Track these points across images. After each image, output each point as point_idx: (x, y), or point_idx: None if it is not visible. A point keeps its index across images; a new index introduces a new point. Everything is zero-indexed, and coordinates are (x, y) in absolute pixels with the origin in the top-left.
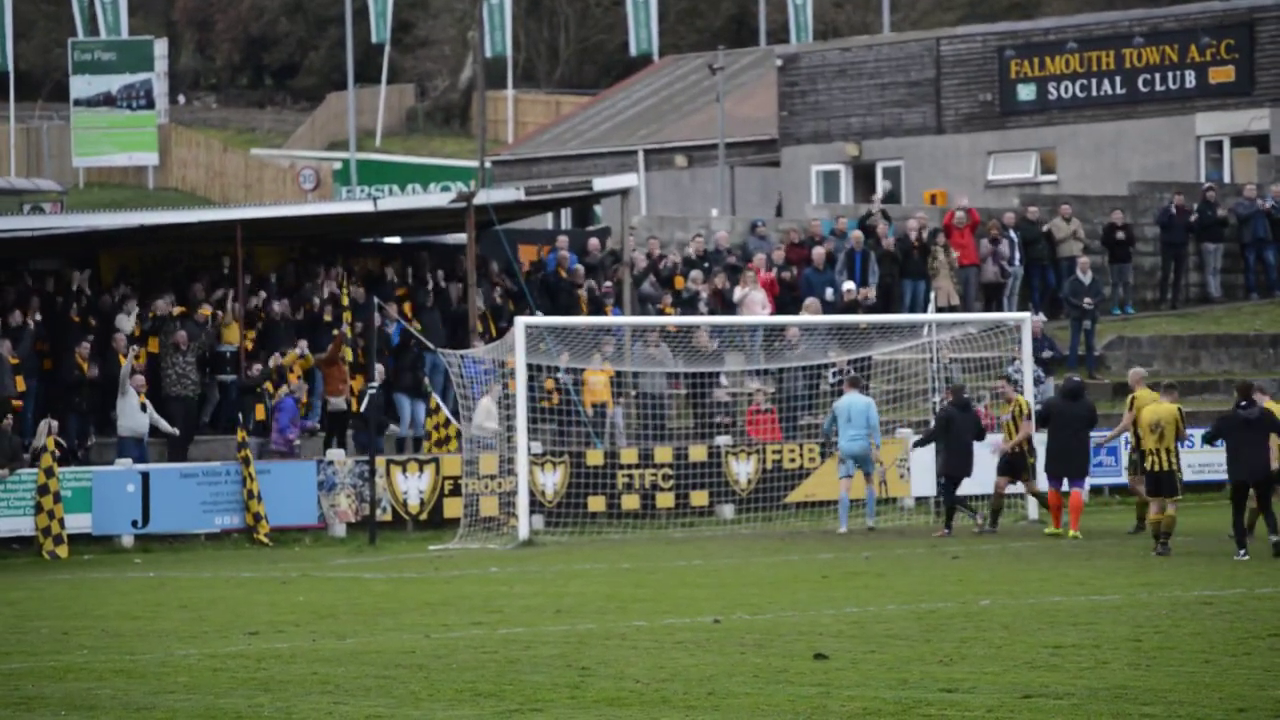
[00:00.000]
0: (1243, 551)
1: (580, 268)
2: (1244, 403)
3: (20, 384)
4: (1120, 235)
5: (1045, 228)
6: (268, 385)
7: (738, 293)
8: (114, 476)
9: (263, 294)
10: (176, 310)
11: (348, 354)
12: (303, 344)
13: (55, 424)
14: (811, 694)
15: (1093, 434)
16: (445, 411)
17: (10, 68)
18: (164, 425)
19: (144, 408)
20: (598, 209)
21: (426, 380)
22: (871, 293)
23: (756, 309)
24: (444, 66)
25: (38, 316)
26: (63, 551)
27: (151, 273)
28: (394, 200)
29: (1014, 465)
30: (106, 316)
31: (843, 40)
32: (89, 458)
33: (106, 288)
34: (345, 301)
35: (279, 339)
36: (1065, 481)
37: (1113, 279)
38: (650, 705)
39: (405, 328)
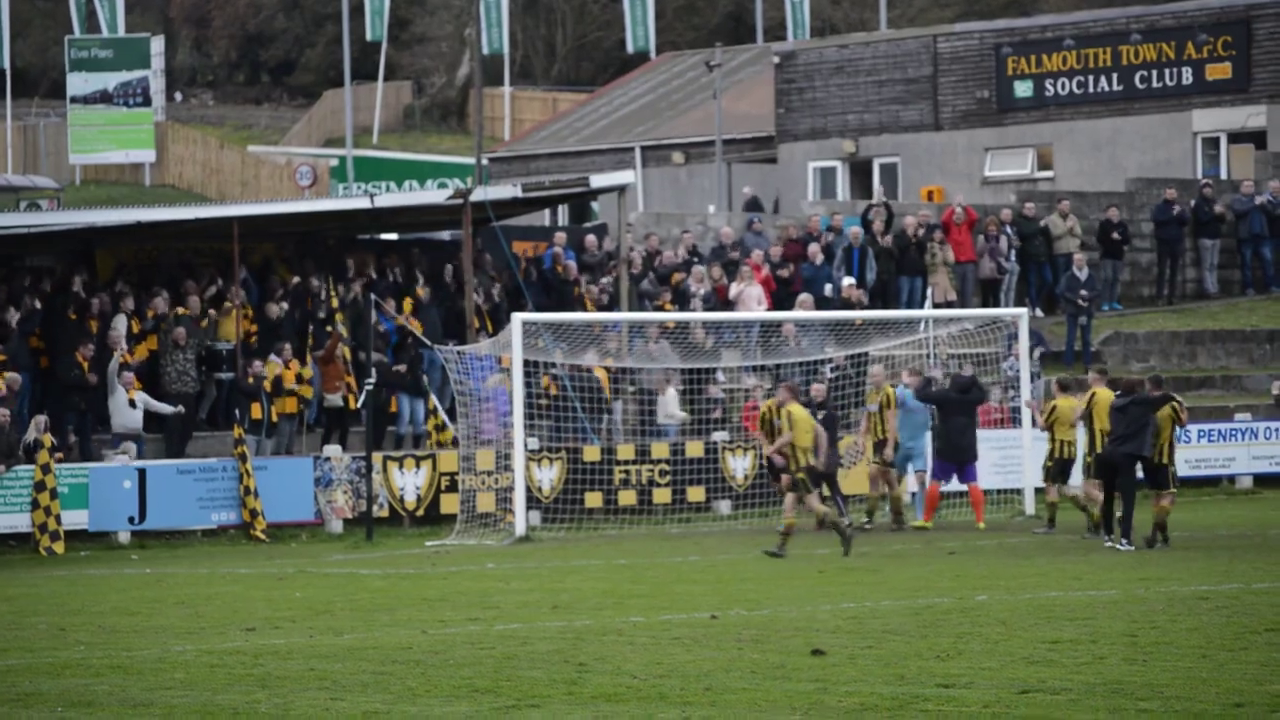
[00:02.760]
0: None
1: (573, 263)
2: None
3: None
4: (1115, 235)
5: (1042, 224)
6: (266, 385)
7: (734, 289)
8: (110, 473)
9: (258, 291)
10: (178, 310)
11: (346, 352)
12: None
13: (45, 419)
14: (809, 689)
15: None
16: (443, 415)
17: (7, 65)
18: (163, 407)
19: (133, 404)
20: (595, 206)
21: (425, 379)
22: (864, 295)
23: (753, 305)
24: (441, 63)
25: (37, 305)
26: (59, 548)
27: (148, 270)
28: (391, 197)
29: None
30: (103, 314)
31: (840, 37)
32: (82, 453)
33: (103, 284)
34: (335, 302)
35: (276, 336)
36: (956, 476)
37: (1105, 275)
38: (647, 701)
39: (402, 324)
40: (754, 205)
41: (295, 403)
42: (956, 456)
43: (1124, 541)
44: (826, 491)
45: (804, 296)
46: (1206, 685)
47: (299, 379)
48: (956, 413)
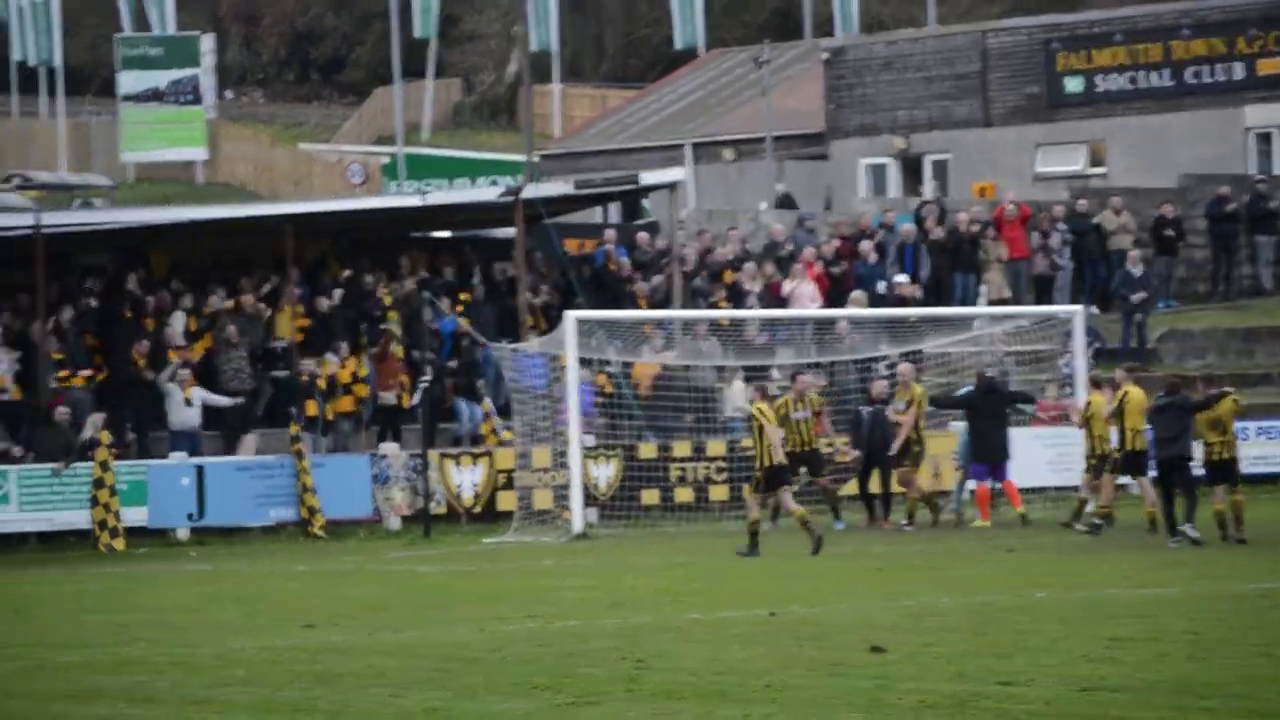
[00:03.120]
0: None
1: (626, 260)
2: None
3: (80, 379)
4: (1169, 231)
5: (1095, 220)
6: (320, 383)
7: (787, 286)
8: (169, 470)
9: (310, 289)
10: (228, 305)
11: (399, 351)
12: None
13: (102, 417)
14: (868, 687)
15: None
16: (495, 421)
17: (60, 63)
18: (222, 400)
19: (189, 403)
20: (646, 203)
21: (480, 383)
22: (918, 290)
23: (806, 302)
24: (490, 61)
25: (92, 304)
26: (119, 544)
27: (201, 268)
28: (442, 194)
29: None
30: (159, 311)
31: (889, 33)
32: (141, 451)
33: (159, 282)
34: (388, 300)
35: (328, 333)
36: (991, 476)
37: (1159, 272)
38: (706, 698)
39: (457, 323)
40: (787, 202)
41: (351, 400)
42: (990, 457)
43: (1190, 528)
44: (795, 487)
45: (857, 294)
46: (1269, 684)
47: (355, 377)
48: (984, 415)
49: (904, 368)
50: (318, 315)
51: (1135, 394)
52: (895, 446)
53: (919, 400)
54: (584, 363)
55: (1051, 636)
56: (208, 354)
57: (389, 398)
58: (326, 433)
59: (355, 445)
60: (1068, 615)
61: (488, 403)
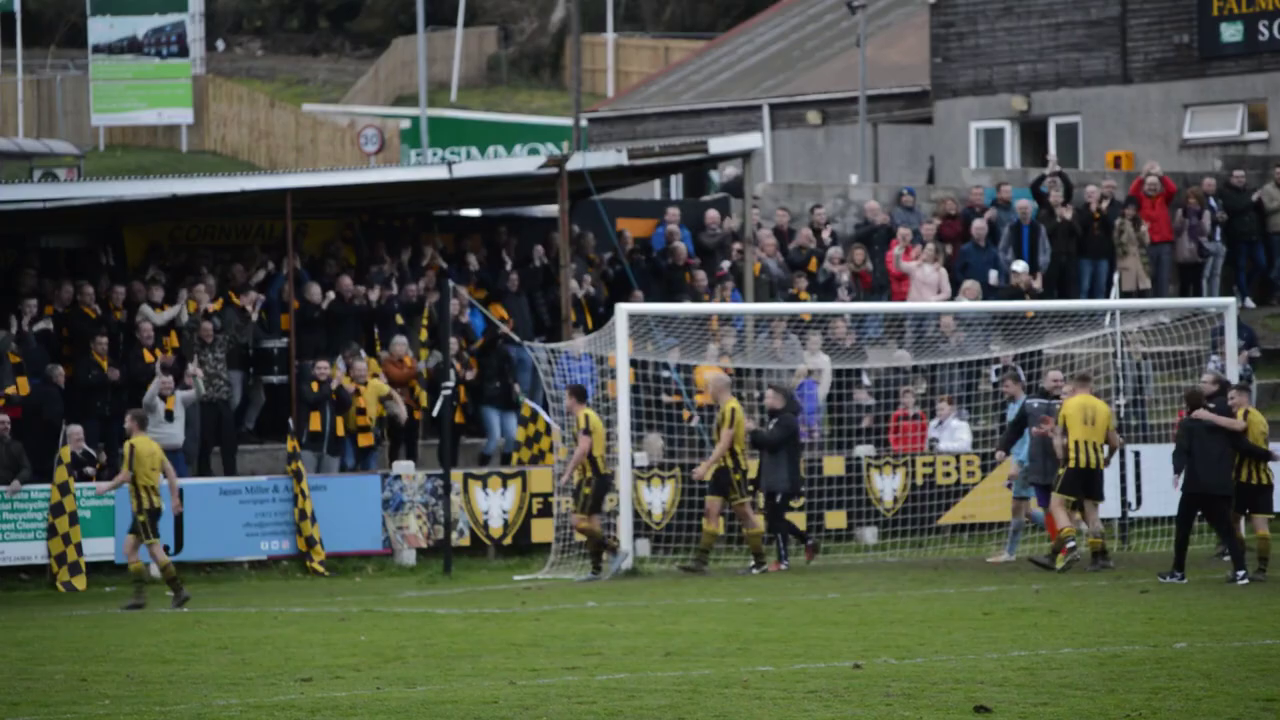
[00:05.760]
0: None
1: (683, 246)
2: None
3: (24, 385)
4: None
5: (1254, 196)
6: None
7: (905, 264)
8: None
9: (308, 279)
10: (213, 306)
11: (423, 354)
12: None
13: (79, 429)
14: None
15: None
16: (545, 417)
17: (17, 8)
18: (189, 396)
19: (170, 416)
20: (714, 175)
21: (516, 388)
22: (1037, 280)
23: (925, 292)
24: (532, 6)
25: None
26: (80, 582)
27: (185, 252)
28: (472, 165)
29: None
30: (130, 305)
31: None
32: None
33: (132, 270)
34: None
35: (329, 331)
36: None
37: None
38: None
39: (488, 318)
40: (732, 188)
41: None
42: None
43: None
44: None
45: (969, 284)
46: None
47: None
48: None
49: (711, 377)
50: (323, 310)
51: (1073, 404)
52: (704, 470)
53: (728, 419)
54: (636, 365)
55: (1194, 695)
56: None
57: (397, 408)
58: (336, 451)
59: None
60: (1213, 670)
61: (528, 404)
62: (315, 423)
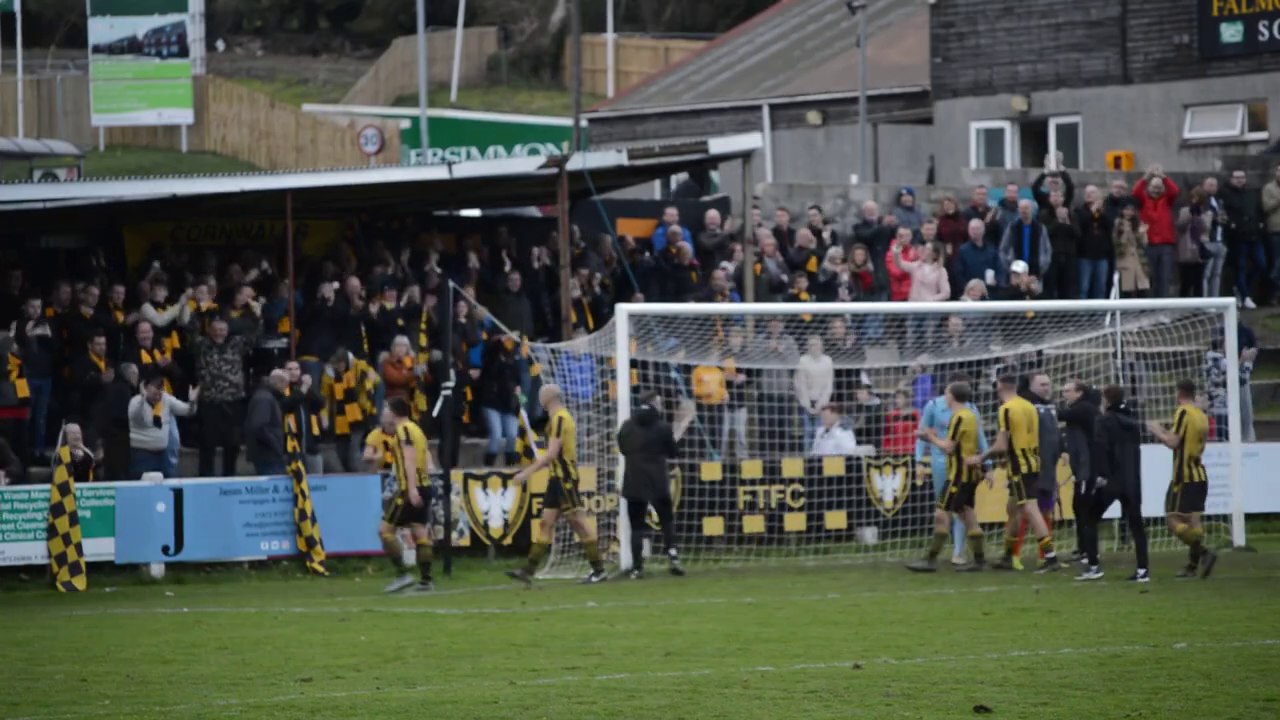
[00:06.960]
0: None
1: (688, 245)
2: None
3: (23, 388)
4: None
5: (1262, 197)
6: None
7: (905, 263)
8: (141, 494)
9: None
10: (208, 305)
11: (422, 356)
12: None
13: (78, 429)
14: None
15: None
16: (531, 438)
17: (17, 8)
18: (180, 406)
19: (159, 422)
20: (714, 176)
21: (518, 390)
22: (1036, 281)
23: (925, 292)
24: (532, 6)
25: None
26: (80, 582)
27: (185, 252)
28: (472, 166)
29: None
30: (131, 305)
31: None
32: (108, 471)
33: (132, 270)
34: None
35: (335, 332)
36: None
37: None
38: None
39: (492, 321)
40: (688, 189)
41: (359, 412)
42: (1049, 483)
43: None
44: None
45: (974, 283)
46: None
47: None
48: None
49: (543, 388)
50: (323, 310)
51: (1195, 416)
52: (526, 475)
53: (555, 429)
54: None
55: (1193, 695)
56: (181, 356)
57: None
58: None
59: (363, 464)
60: (1213, 670)
61: (523, 416)
62: (314, 423)
